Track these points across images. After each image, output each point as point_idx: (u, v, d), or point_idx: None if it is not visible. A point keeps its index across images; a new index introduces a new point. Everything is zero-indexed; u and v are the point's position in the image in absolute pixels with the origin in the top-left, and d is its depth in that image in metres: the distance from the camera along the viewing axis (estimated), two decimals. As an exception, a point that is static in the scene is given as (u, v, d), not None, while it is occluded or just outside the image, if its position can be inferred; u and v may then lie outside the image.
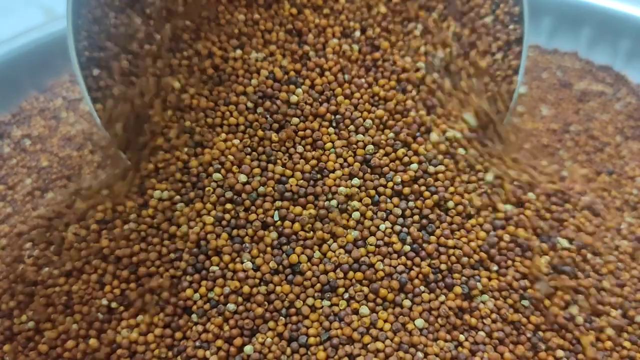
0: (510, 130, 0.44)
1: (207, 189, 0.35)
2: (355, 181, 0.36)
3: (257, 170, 0.36)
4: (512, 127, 0.45)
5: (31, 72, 0.63)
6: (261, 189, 0.35)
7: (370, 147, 0.37)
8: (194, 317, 0.34)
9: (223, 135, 0.37)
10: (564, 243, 0.37)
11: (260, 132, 0.37)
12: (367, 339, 0.33)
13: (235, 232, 0.35)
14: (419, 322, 0.33)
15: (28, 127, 0.57)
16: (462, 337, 0.34)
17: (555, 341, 0.34)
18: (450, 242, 0.35)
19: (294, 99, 0.37)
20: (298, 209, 0.35)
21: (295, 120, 0.37)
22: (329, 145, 0.37)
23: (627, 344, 0.35)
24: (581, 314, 0.35)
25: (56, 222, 0.38)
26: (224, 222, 0.35)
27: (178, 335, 0.33)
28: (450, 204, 0.37)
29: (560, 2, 0.68)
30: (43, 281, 0.35)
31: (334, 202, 0.35)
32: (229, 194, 0.35)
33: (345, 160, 0.37)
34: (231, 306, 0.33)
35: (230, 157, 0.36)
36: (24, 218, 0.44)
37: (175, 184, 0.36)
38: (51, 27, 0.64)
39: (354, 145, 0.37)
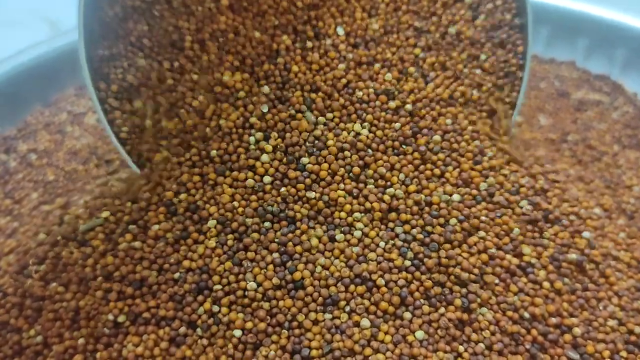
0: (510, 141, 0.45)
1: (210, 222, 0.37)
2: (357, 215, 0.37)
3: (256, 219, 0.37)
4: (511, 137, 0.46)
5: (36, 87, 0.63)
6: (267, 224, 0.37)
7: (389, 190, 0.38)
8: (199, 331, 0.34)
9: (229, 191, 0.37)
10: (570, 257, 0.38)
11: (273, 191, 0.38)
12: (368, 351, 0.33)
13: (237, 256, 0.36)
14: (419, 334, 0.34)
15: (34, 141, 0.58)
16: (461, 348, 0.34)
17: (554, 352, 0.35)
18: (452, 257, 0.36)
19: (308, 167, 0.38)
20: (304, 236, 0.36)
21: (308, 181, 0.38)
22: (341, 193, 0.38)
23: (624, 353, 0.35)
24: (579, 325, 0.35)
25: (62, 239, 0.39)
26: (225, 247, 0.36)
27: (184, 348, 0.34)
28: (453, 220, 0.37)
29: (557, 12, 0.69)
30: (50, 296, 0.36)
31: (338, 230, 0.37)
32: (233, 235, 0.37)
33: (354, 196, 0.38)
34: (237, 332, 0.34)
35: (236, 203, 0.37)
36: (31, 233, 0.45)
37: (176, 225, 0.37)
38: (56, 41, 0.65)
39: (366, 192, 0.38)
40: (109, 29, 0.39)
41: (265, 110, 0.39)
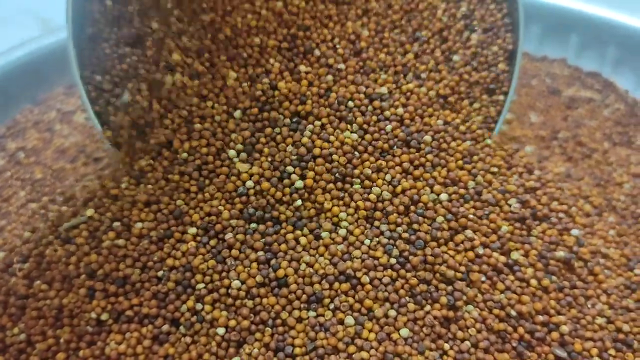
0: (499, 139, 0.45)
1: (191, 230, 0.36)
2: (342, 215, 0.37)
3: (241, 221, 0.37)
4: (501, 135, 0.46)
5: (25, 85, 0.63)
6: (253, 225, 0.36)
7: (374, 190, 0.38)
8: (182, 329, 0.34)
9: (215, 203, 0.37)
10: (558, 254, 0.38)
11: (257, 195, 0.37)
12: (352, 348, 0.33)
13: (220, 255, 0.36)
14: (404, 332, 0.34)
15: (22, 139, 0.58)
16: (447, 346, 0.34)
17: (541, 350, 0.34)
18: (437, 255, 0.36)
19: (299, 184, 0.37)
20: (289, 235, 0.36)
21: (297, 202, 0.37)
22: (327, 196, 0.37)
23: (612, 351, 0.35)
24: (567, 323, 0.35)
25: (45, 238, 0.39)
26: (208, 247, 0.36)
27: (167, 346, 0.34)
28: (440, 219, 0.37)
29: (549, 9, 0.69)
30: (34, 294, 0.36)
31: (326, 226, 0.37)
32: (217, 238, 0.36)
33: (339, 197, 0.38)
34: (221, 330, 0.34)
35: (221, 207, 0.37)
36: (18, 231, 0.44)
37: (159, 224, 0.37)
38: (45, 40, 0.65)
39: (352, 191, 0.38)
40: (98, 27, 0.39)
41: (238, 116, 0.38)
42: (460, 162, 0.40)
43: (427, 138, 0.39)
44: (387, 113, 0.40)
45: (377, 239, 0.36)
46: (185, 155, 0.38)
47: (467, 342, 0.34)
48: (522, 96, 0.62)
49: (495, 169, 0.41)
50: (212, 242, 0.36)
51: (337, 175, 0.38)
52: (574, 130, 0.57)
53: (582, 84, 0.65)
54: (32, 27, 0.75)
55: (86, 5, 0.39)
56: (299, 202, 0.37)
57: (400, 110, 0.40)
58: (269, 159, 0.38)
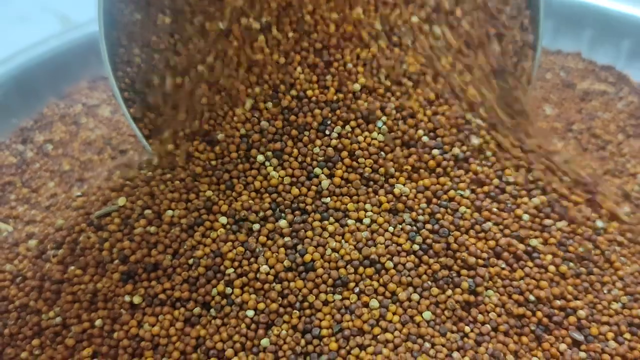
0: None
1: (222, 219, 0.38)
2: (367, 206, 0.38)
3: (269, 212, 0.38)
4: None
5: (50, 79, 0.65)
6: (282, 215, 0.38)
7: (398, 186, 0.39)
8: (213, 312, 0.35)
9: (244, 197, 0.38)
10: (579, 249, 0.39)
11: (284, 192, 0.39)
12: (377, 330, 0.34)
13: (249, 241, 0.37)
14: (427, 315, 0.35)
15: (49, 132, 0.59)
16: (467, 329, 0.35)
17: (558, 333, 0.35)
18: (461, 244, 0.37)
19: (325, 184, 0.39)
20: (316, 223, 0.37)
21: (326, 200, 0.38)
22: (353, 192, 0.39)
23: (627, 335, 0.36)
24: (583, 308, 0.36)
25: (78, 225, 0.40)
26: (238, 235, 0.37)
27: (198, 328, 0.35)
28: (462, 209, 0.38)
29: (563, 3, 0.69)
30: (69, 279, 0.37)
31: (352, 214, 0.38)
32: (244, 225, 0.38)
33: (364, 193, 0.39)
34: (250, 312, 0.35)
35: (251, 201, 0.38)
36: (49, 220, 0.46)
37: (190, 212, 0.38)
38: (68, 35, 0.66)
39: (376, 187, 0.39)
40: (129, 23, 0.41)
41: (265, 126, 0.39)
42: (484, 165, 0.41)
43: (456, 150, 0.40)
44: (419, 130, 0.40)
45: (400, 226, 0.37)
46: (214, 162, 0.39)
47: (488, 325, 0.35)
48: (536, 89, 0.63)
49: (521, 163, 0.41)
50: (243, 232, 0.37)
51: (363, 175, 0.39)
52: (588, 122, 0.58)
53: (596, 77, 0.66)
54: (52, 24, 0.76)
55: (115, 5, 0.41)
56: (327, 199, 0.38)
57: (429, 125, 0.40)
58: (299, 160, 0.39)
